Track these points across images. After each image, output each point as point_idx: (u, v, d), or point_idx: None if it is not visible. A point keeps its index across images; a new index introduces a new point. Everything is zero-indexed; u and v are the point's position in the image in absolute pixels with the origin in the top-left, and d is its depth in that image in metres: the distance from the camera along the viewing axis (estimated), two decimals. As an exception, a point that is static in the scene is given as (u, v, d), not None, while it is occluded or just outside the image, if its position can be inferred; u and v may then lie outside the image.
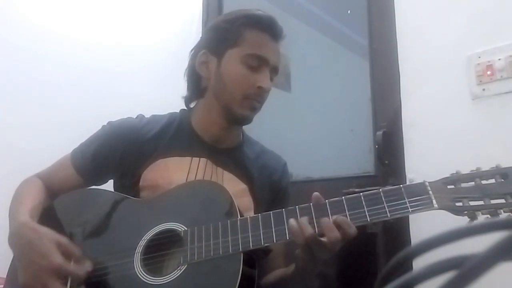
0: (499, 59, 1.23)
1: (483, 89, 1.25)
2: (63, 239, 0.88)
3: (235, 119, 1.04)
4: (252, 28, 1.02)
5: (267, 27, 1.03)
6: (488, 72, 1.24)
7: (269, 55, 1.02)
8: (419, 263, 0.27)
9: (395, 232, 1.34)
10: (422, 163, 1.32)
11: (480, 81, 1.25)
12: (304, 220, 0.81)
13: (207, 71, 1.06)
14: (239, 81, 1.01)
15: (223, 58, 1.03)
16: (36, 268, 0.83)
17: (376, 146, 1.43)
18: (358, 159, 1.65)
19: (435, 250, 0.26)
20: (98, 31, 1.82)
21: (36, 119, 1.58)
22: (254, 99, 1.02)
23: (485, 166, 0.80)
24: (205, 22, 2.10)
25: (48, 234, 0.87)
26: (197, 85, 1.09)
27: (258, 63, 1.01)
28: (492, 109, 1.23)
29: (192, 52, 1.10)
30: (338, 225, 0.79)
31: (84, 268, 0.87)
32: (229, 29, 1.03)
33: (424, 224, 1.14)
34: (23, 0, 1.64)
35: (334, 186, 1.60)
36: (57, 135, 1.55)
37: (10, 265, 0.97)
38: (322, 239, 0.80)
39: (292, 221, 0.82)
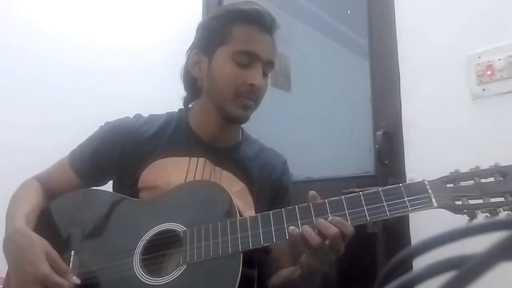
0: (499, 59, 1.22)
1: (483, 89, 1.25)
2: (53, 251, 0.87)
3: (230, 119, 1.03)
4: (239, 23, 0.99)
5: (255, 20, 0.99)
6: (488, 72, 1.24)
7: (260, 49, 0.99)
8: (419, 263, 0.27)
9: (395, 232, 1.34)
10: (422, 163, 1.32)
11: (480, 81, 1.25)
12: (308, 229, 0.80)
13: (199, 71, 1.05)
14: (230, 80, 0.99)
15: (213, 57, 1.01)
16: (24, 275, 0.83)
17: (376, 146, 1.43)
18: (358, 159, 1.65)
19: (435, 250, 0.26)
20: (98, 31, 1.82)
21: (36, 119, 1.58)
22: (247, 97, 0.99)
23: (485, 166, 0.80)
24: (205, 22, 2.10)
25: (40, 243, 0.87)
26: (192, 86, 1.08)
27: (248, 59, 0.98)
28: (492, 109, 1.23)
29: (188, 52, 1.09)
30: (334, 225, 0.79)
31: (71, 281, 0.86)
32: (217, 26, 1.01)
33: (424, 224, 1.14)
34: (23, 0, 1.64)
35: (334, 186, 1.60)
36: (57, 135, 1.55)
37: (8, 270, 0.96)
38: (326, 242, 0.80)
39: (293, 229, 0.81)
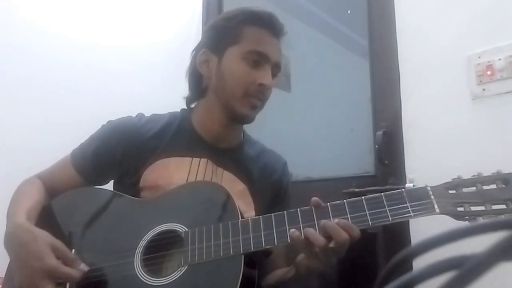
0: (499, 59, 1.22)
1: (483, 89, 1.25)
2: (58, 242, 0.87)
3: (236, 118, 1.04)
4: (252, 25, 1.01)
5: (267, 24, 1.02)
6: (488, 72, 1.24)
7: (270, 51, 1.01)
8: (419, 263, 0.27)
9: (395, 232, 1.34)
10: (422, 163, 1.32)
11: (480, 81, 1.25)
12: (312, 231, 0.80)
13: (208, 70, 1.06)
14: (240, 79, 1.00)
15: (223, 56, 1.03)
16: (30, 270, 0.83)
17: (376, 146, 1.43)
18: (358, 159, 1.65)
19: (435, 250, 0.26)
20: (98, 31, 1.81)
21: (36, 119, 1.58)
22: (255, 97, 1.01)
23: (485, 166, 0.80)
24: (205, 22, 2.10)
25: (43, 236, 0.86)
26: (198, 84, 1.09)
27: (258, 59, 1.00)
28: (492, 109, 1.23)
29: (193, 52, 1.10)
30: (342, 228, 0.80)
31: (79, 270, 0.86)
32: (228, 26, 1.03)
33: (424, 224, 1.14)
34: (23, 0, 1.63)
35: (334, 186, 1.60)
36: (57, 135, 1.55)
37: (8, 266, 0.96)
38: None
39: (293, 231, 0.81)
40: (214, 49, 1.05)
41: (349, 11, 1.91)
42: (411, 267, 0.29)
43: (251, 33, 1.01)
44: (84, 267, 0.88)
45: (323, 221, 0.81)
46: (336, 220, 0.80)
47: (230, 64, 1.01)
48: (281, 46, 1.06)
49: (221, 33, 1.04)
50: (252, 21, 1.02)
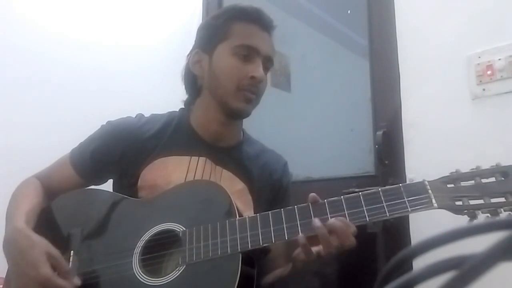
0: (499, 59, 1.22)
1: (483, 89, 1.25)
2: (54, 251, 0.87)
3: (232, 113, 1.04)
4: (240, 21, 1.02)
5: (255, 18, 1.03)
6: (488, 72, 1.24)
7: (259, 44, 1.01)
8: (419, 263, 0.27)
9: (395, 232, 1.34)
10: (422, 163, 1.32)
11: (480, 81, 1.25)
12: (320, 224, 0.81)
13: (200, 69, 1.06)
14: (231, 74, 1.00)
15: (214, 54, 1.03)
16: (26, 278, 0.83)
17: (376, 146, 1.43)
18: (358, 159, 1.65)
19: (435, 250, 0.26)
20: (98, 31, 1.81)
21: (36, 119, 1.58)
22: (249, 90, 1.01)
23: (485, 166, 0.80)
24: (205, 22, 2.10)
25: (40, 243, 0.86)
26: (193, 85, 1.10)
27: (248, 53, 1.00)
28: (492, 109, 1.23)
29: (188, 56, 1.11)
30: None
31: (72, 283, 0.86)
32: (217, 24, 1.04)
33: (424, 224, 1.14)
34: (23, 0, 1.63)
35: (334, 186, 1.60)
36: (57, 135, 1.55)
37: (7, 269, 0.96)
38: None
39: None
40: (205, 48, 1.06)
41: (349, 11, 1.91)
42: (411, 267, 0.29)
43: (240, 28, 1.02)
44: (77, 280, 0.87)
45: (332, 219, 0.80)
46: (333, 219, 0.81)
47: (220, 61, 1.02)
48: (272, 40, 1.06)
49: (211, 32, 1.05)
50: (240, 17, 1.03)
